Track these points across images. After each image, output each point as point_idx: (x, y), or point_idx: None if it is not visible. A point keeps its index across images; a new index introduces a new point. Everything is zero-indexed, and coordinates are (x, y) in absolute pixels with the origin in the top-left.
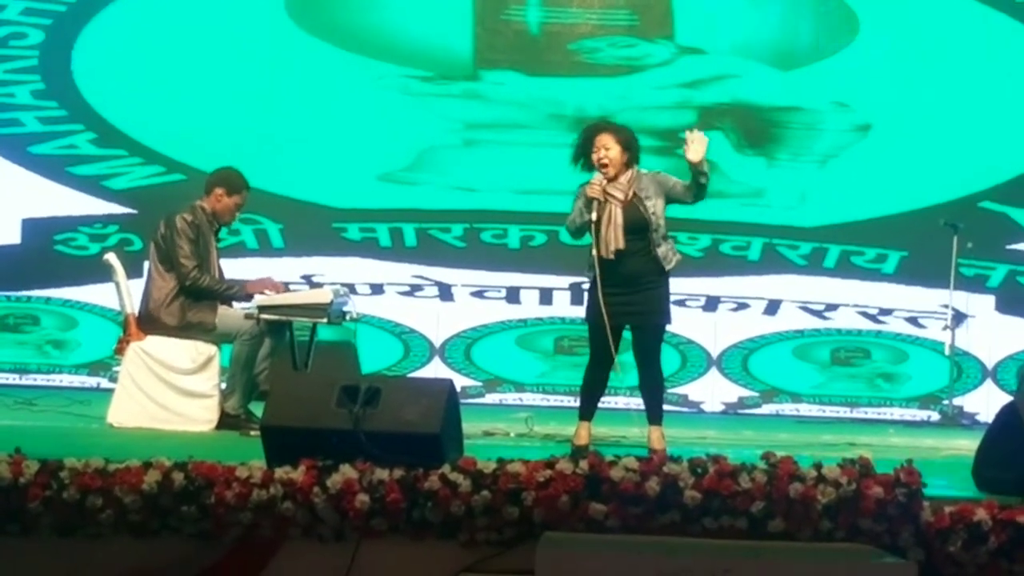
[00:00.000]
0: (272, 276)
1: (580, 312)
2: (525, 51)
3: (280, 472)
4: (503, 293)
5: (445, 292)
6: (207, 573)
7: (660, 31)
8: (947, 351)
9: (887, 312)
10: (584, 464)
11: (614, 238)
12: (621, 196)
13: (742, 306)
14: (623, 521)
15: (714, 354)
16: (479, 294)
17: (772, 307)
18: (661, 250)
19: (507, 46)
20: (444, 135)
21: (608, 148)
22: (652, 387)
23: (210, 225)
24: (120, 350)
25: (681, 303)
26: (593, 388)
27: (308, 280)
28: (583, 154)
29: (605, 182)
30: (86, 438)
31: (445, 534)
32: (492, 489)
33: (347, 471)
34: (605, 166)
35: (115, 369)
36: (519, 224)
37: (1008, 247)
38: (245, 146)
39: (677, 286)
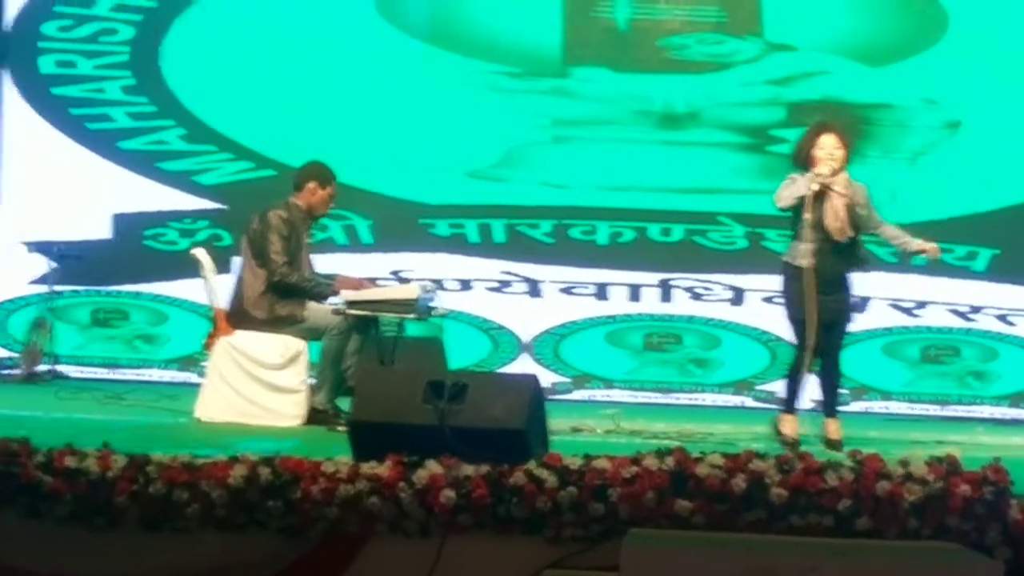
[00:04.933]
0: (360, 277)
1: (669, 308)
2: (613, 47)
3: (366, 467)
4: (592, 289)
5: (533, 288)
6: (293, 568)
7: (749, 27)
8: None
9: (977, 310)
10: (670, 460)
11: (840, 230)
12: (842, 191)
13: None
14: (709, 518)
15: None
16: (567, 290)
17: (861, 304)
18: (861, 252)
19: (595, 42)
20: (533, 131)
21: (837, 149)
22: (835, 381)
23: (304, 222)
24: (209, 345)
25: (769, 300)
26: (796, 381)
27: (396, 276)
28: (806, 151)
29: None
30: (173, 433)
31: (530, 530)
32: (578, 485)
33: (433, 467)
34: (832, 160)
35: (204, 364)
36: (607, 220)
37: None
38: (335, 142)
39: (763, 283)
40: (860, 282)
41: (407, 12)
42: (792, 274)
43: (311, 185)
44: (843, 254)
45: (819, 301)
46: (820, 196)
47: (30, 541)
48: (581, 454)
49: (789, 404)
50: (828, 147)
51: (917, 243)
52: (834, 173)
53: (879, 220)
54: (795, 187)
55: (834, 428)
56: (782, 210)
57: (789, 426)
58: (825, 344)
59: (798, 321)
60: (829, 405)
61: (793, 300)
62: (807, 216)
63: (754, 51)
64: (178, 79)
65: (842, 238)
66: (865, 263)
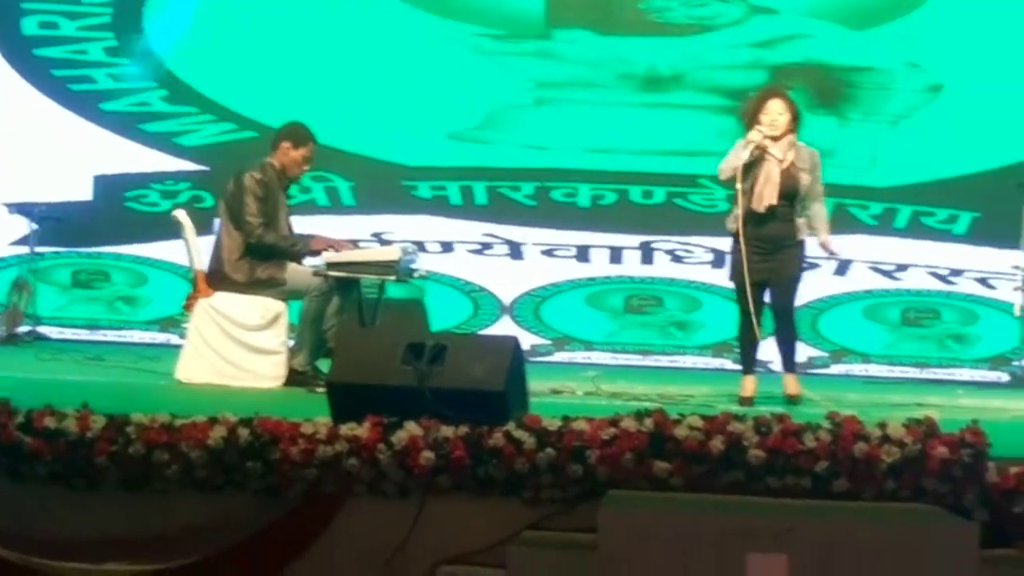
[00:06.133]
0: (340, 238)
1: (650, 271)
2: (597, 10)
3: (345, 428)
4: (573, 252)
5: (515, 250)
6: (272, 529)
7: None
8: (1017, 312)
9: (957, 273)
10: (648, 422)
11: (768, 194)
12: (780, 156)
13: (812, 266)
14: (687, 479)
15: None
16: (549, 252)
17: (842, 267)
18: (801, 220)
19: (579, 5)
20: (515, 94)
21: (781, 114)
22: (787, 339)
23: (280, 182)
24: (189, 306)
25: None
26: (748, 343)
27: (378, 238)
28: (753, 115)
29: (767, 140)
30: (153, 394)
31: (509, 491)
32: (556, 447)
33: (412, 428)
34: (773, 127)
35: (184, 325)
36: (589, 183)
37: None
38: (317, 103)
39: None
40: (842, 246)
41: None
42: (733, 240)
43: (285, 145)
44: (780, 218)
45: (755, 263)
46: (754, 163)
47: (11, 502)
48: (560, 416)
49: (743, 366)
50: (772, 112)
51: (823, 237)
52: (775, 138)
53: (819, 193)
54: (732, 157)
55: (792, 384)
56: (726, 183)
57: (745, 387)
58: (773, 303)
59: (736, 285)
60: (785, 361)
61: (731, 265)
62: (739, 185)
63: (737, 14)
64: (161, 40)
65: (760, 208)
66: (799, 229)
